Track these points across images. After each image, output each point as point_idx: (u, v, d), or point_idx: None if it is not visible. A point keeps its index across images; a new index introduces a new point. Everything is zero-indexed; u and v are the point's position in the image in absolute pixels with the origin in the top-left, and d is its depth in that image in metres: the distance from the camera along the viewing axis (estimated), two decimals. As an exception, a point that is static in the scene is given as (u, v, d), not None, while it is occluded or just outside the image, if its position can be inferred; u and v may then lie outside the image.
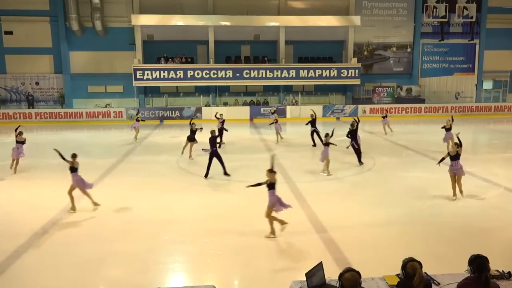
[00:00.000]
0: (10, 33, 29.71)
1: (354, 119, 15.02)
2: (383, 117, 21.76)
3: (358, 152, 14.12)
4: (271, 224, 7.93)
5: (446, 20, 32.75)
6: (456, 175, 10.17)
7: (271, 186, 7.91)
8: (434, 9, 32.54)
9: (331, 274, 4.78)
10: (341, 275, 3.97)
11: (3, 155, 16.79)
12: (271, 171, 7.95)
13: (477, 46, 33.23)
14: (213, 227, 8.64)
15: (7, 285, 6.40)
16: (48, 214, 9.41)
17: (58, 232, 8.50)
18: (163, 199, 10.74)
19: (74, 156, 9.83)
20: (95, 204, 9.70)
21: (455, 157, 10.10)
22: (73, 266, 6.94)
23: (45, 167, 14.93)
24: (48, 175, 13.72)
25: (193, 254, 7.49)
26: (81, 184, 9.55)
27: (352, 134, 14.26)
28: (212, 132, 12.75)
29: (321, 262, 4.76)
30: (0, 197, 11.02)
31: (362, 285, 4.01)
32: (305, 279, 4.51)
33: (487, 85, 33.98)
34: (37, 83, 30.62)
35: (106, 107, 29.69)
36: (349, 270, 3.99)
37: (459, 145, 10.28)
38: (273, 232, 7.93)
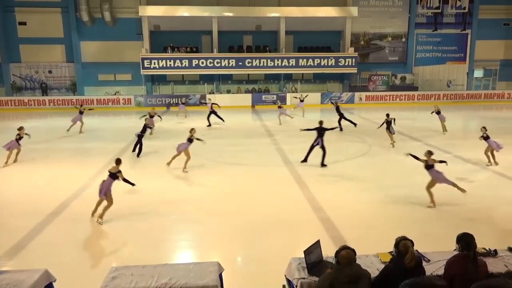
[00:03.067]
0: (24, 23, 29.46)
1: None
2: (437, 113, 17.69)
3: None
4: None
5: (439, 11, 32.32)
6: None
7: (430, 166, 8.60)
8: (428, 0, 32.10)
9: (328, 251, 4.82)
10: (337, 253, 3.99)
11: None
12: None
13: (469, 36, 32.86)
14: (218, 208, 8.69)
15: (28, 259, 6.49)
16: (63, 194, 9.48)
17: (73, 211, 8.56)
18: (170, 181, 10.78)
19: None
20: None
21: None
22: (88, 242, 7.02)
23: (59, 150, 14.99)
24: (62, 158, 13.78)
25: (199, 232, 7.55)
26: None
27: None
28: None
29: (318, 240, 4.80)
30: (19, 178, 11.08)
31: (357, 262, 4.04)
32: (303, 256, 4.54)
33: (478, 73, 33.70)
34: (50, 72, 30.48)
35: (115, 94, 29.59)
36: (345, 248, 4.01)
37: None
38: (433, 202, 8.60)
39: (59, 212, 8.46)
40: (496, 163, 11.88)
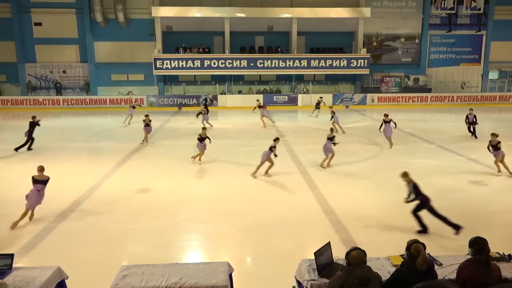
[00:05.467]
0: (40, 24, 29.89)
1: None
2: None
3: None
4: None
5: (454, 11, 31.89)
6: None
7: None
8: (443, 1, 31.68)
9: (339, 253, 4.79)
10: (348, 253, 3.96)
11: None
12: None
13: (484, 37, 32.36)
14: (227, 208, 8.71)
15: (40, 256, 6.58)
16: (75, 193, 9.58)
17: (85, 211, 8.65)
18: (181, 181, 10.83)
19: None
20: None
21: None
22: (99, 240, 7.09)
23: (72, 150, 15.17)
24: (74, 157, 13.94)
25: (209, 232, 7.57)
26: None
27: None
28: None
29: (329, 242, 4.77)
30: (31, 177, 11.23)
31: (367, 264, 4.01)
32: (314, 257, 4.53)
33: (493, 75, 33.17)
34: (64, 72, 30.89)
35: (128, 94, 29.86)
36: (356, 248, 3.98)
37: None
38: None
39: (71, 211, 8.56)
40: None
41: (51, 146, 15.56)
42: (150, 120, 15.78)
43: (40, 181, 8.04)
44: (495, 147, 10.91)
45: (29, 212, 7.90)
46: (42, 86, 30.84)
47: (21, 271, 4.55)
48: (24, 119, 24.51)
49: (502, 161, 10.94)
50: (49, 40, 29.89)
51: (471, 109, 17.36)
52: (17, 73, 30.03)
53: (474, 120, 16.88)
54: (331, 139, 12.06)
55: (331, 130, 12.95)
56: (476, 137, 16.57)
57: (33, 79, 30.59)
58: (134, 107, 21.52)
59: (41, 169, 8.17)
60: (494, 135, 11.08)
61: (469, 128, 17.10)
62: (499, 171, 10.99)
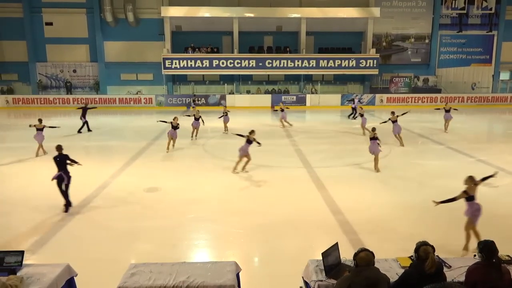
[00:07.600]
0: (50, 24, 30.20)
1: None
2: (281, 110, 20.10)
3: None
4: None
5: (465, 11, 31.56)
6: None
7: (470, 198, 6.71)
8: (453, 1, 31.40)
9: (346, 254, 4.77)
10: (355, 254, 3.95)
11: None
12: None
13: (495, 38, 31.98)
14: (236, 208, 8.72)
15: (50, 253, 6.66)
16: (84, 192, 9.67)
17: (94, 208, 8.74)
18: (189, 180, 10.86)
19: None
20: None
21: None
22: (108, 239, 7.14)
23: (81, 148, 15.30)
24: (84, 156, 14.04)
25: (217, 232, 7.58)
26: None
27: None
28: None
29: (337, 243, 4.76)
30: (42, 175, 11.35)
31: (375, 265, 3.98)
32: (321, 258, 4.51)
33: (504, 76, 32.77)
34: (74, 71, 31.18)
35: (137, 93, 30.05)
36: (364, 249, 3.96)
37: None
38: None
39: (80, 209, 8.64)
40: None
41: (61, 144, 15.68)
42: (177, 123, 14.63)
43: None
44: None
45: None
46: (53, 85, 31.17)
47: (31, 267, 4.60)
48: (35, 118, 24.81)
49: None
50: (60, 40, 30.20)
51: (356, 95, 21.34)
52: (28, 72, 30.38)
53: (355, 106, 20.51)
54: (249, 141, 11.52)
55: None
56: (354, 118, 21.32)
57: (43, 78, 30.92)
58: (42, 129, 14.05)
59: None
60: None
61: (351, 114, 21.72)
62: None
